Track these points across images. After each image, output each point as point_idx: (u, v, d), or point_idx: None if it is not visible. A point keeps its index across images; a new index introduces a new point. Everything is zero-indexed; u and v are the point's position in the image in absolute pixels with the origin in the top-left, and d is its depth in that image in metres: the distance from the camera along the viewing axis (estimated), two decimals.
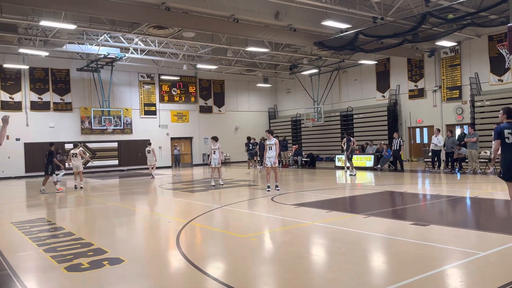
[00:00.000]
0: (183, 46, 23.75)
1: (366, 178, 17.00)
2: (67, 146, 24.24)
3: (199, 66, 27.47)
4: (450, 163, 17.75)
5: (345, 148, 18.67)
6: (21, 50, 21.63)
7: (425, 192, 12.37)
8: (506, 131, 6.96)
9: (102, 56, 23.74)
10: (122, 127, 27.54)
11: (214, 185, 15.03)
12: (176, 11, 16.38)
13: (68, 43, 21.87)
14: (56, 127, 25.54)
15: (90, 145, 26.70)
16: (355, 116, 27.78)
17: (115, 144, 27.66)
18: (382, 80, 26.67)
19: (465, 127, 20.61)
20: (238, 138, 31.93)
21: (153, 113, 29.33)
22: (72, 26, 17.15)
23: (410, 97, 25.14)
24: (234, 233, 7.46)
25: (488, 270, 4.90)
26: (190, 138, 31.26)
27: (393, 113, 25.51)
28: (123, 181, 19.99)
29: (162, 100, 29.70)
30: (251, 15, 17.33)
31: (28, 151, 24.54)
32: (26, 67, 24.27)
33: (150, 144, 20.79)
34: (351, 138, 18.43)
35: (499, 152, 7.24)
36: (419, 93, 24.68)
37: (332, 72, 29.32)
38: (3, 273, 5.37)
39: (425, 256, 5.44)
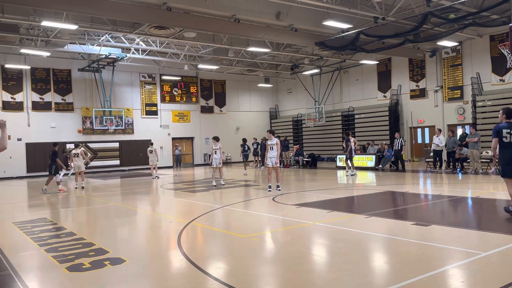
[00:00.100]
0: (184, 46, 23.76)
1: (368, 178, 16.99)
2: (68, 146, 24.26)
3: (200, 66, 27.48)
4: (451, 163, 17.73)
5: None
6: (23, 51, 21.68)
7: (427, 192, 12.36)
8: (504, 131, 7.35)
9: (104, 56, 23.77)
10: (123, 127, 27.56)
11: (215, 185, 15.04)
12: (177, 11, 16.38)
13: (70, 43, 21.91)
14: (57, 127, 25.58)
15: (91, 145, 26.73)
16: (356, 116, 27.76)
17: (117, 144, 27.68)
18: (384, 80, 26.65)
19: (467, 127, 20.61)
20: (239, 138, 31.74)
21: (155, 113, 29.35)
22: (73, 26, 17.16)
23: (412, 97, 25.11)
24: (236, 233, 7.46)
25: (489, 270, 4.89)
26: (192, 138, 31.28)
27: (394, 113, 25.49)
28: (125, 181, 20.01)
29: (163, 100, 29.73)
30: (252, 15, 17.33)
31: (29, 151, 24.58)
32: (28, 67, 24.31)
33: (152, 144, 20.83)
34: (350, 138, 18.43)
35: (497, 151, 7.57)
36: (420, 93, 24.65)
37: (333, 72, 29.30)
38: (5, 273, 5.38)
39: (426, 256, 5.43)
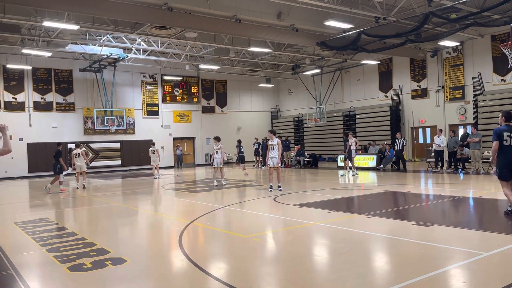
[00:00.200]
0: (185, 47, 23.77)
1: (369, 178, 16.97)
2: (70, 146, 24.28)
3: (202, 66, 27.49)
4: (453, 163, 17.70)
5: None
6: (24, 51, 21.71)
7: (428, 193, 12.35)
8: (505, 134, 7.40)
9: (105, 56, 23.80)
10: (124, 127, 27.58)
11: (216, 185, 15.04)
12: (178, 11, 16.39)
13: (71, 43, 21.94)
14: (59, 128, 25.61)
15: (92, 145, 26.75)
16: (357, 116, 27.74)
17: (118, 144, 27.70)
18: (385, 80, 26.63)
19: (468, 127, 20.58)
20: (240, 138, 31.92)
21: (156, 113, 29.37)
22: (74, 27, 17.18)
23: (413, 97, 25.08)
24: (237, 233, 7.46)
25: (491, 271, 4.88)
26: (193, 138, 31.29)
27: (395, 113, 25.46)
28: (126, 181, 20.02)
29: (164, 100, 29.75)
30: (253, 15, 17.33)
31: (31, 151, 24.62)
32: (29, 67, 24.36)
33: (154, 144, 20.86)
34: (349, 138, 18.45)
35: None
36: (421, 93, 24.62)
37: (335, 72, 29.29)
38: (6, 273, 5.39)
39: (428, 257, 5.42)
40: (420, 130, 25.26)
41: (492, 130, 7.79)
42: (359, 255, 5.69)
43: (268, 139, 13.78)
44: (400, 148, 19.13)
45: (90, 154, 26.03)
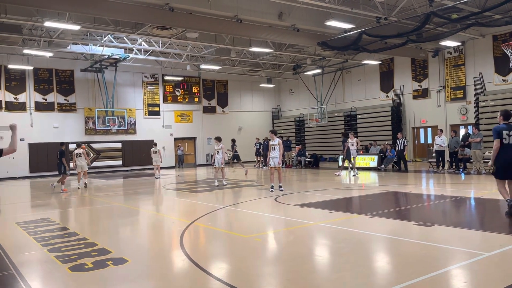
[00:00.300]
0: (186, 47, 23.79)
1: (370, 179, 16.96)
2: (71, 146, 24.30)
3: (203, 66, 27.50)
4: (454, 164, 17.68)
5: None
6: (26, 51, 21.75)
7: (429, 193, 12.33)
8: (504, 132, 7.50)
9: (106, 56, 23.82)
10: (126, 128, 27.60)
11: (217, 186, 15.05)
12: (179, 11, 16.40)
13: (72, 43, 21.97)
14: (60, 128, 25.64)
15: (94, 146, 26.78)
16: (358, 116, 27.73)
17: (119, 145, 27.73)
18: (386, 80, 26.61)
19: (469, 127, 20.55)
20: (241, 139, 31.92)
21: (157, 113, 29.40)
22: (76, 27, 17.21)
23: (414, 97, 25.07)
24: (238, 234, 7.46)
25: (492, 271, 4.87)
26: (194, 139, 31.31)
27: (397, 113, 25.45)
28: (127, 182, 20.04)
29: (165, 100, 29.77)
30: (254, 15, 17.33)
31: (32, 152, 24.64)
32: (31, 67, 24.39)
33: (156, 144, 20.90)
34: (349, 139, 18.47)
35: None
36: (423, 93, 24.60)
37: (336, 72, 29.28)
38: (8, 273, 5.40)
39: (429, 257, 5.42)
40: (422, 130, 25.23)
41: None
42: (360, 255, 5.69)
43: (269, 139, 13.77)
44: (401, 148, 19.11)
45: (92, 154, 26.04)
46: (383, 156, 20.79)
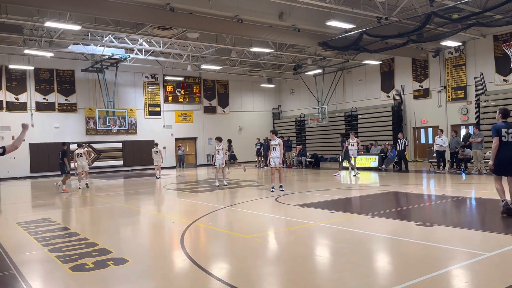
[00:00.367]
0: (187, 47, 23.79)
1: (371, 179, 16.95)
2: (72, 146, 24.35)
3: (203, 66, 27.51)
4: (455, 164, 17.67)
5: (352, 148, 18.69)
6: (26, 51, 21.76)
7: (430, 193, 12.32)
8: (503, 130, 7.64)
9: (107, 57, 23.83)
10: (126, 128, 27.63)
11: (218, 186, 15.05)
12: (180, 11, 16.41)
13: (73, 44, 21.99)
14: (61, 128, 25.66)
15: (95, 146, 26.80)
16: (359, 117, 27.72)
17: (120, 145, 27.74)
18: (387, 80, 26.61)
19: (470, 127, 20.53)
20: (242, 139, 31.97)
21: (158, 113, 29.41)
22: (76, 27, 17.22)
23: (415, 97, 25.06)
24: (239, 234, 7.46)
25: (493, 271, 4.87)
26: (194, 139, 31.32)
27: (397, 114, 25.44)
28: (128, 182, 20.05)
29: (166, 100, 29.78)
30: (255, 15, 17.34)
31: (33, 152, 24.66)
32: (31, 68, 24.41)
33: (157, 145, 20.92)
34: (350, 139, 18.47)
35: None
36: (424, 93, 24.59)
37: (337, 72, 29.28)
38: (9, 273, 5.40)
39: (430, 257, 5.41)
40: (422, 130, 25.23)
41: None
42: (361, 256, 5.68)
43: (270, 139, 13.78)
44: (402, 148, 19.09)
45: (93, 154, 26.04)
46: (383, 156, 20.78)
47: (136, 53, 24.28)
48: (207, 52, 24.08)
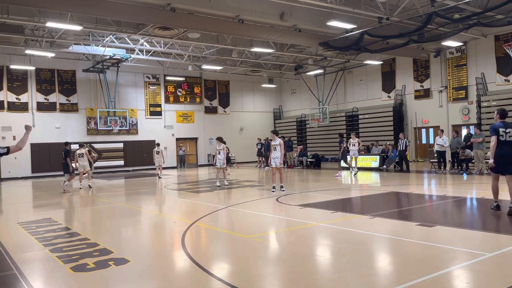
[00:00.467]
0: (188, 47, 23.81)
1: (372, 179, 16.94)
2: (73, 146, 24.35)
3: (204, 67, 27.52)
4: (456, 164, 17.65)
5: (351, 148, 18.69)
6: (28, 51, 21.79)
7: (431, 193, 12.31)
8: (500, 129, 7.91)
9: (108, 57, 23.85)
10: (127, 128, 27.66)
11: (219, 186, 15.05)
12: (181, 12, 16.42)
13: (74, 44, 22.01)
14: (62, 128, 25.69)
15: (96, 146, 26.82)
16: (360, 117, 27.71)
17: (121, 145, 27.77)
18: (388, 81, 26.59)
19: (471, 127, 20.51)
20: (243, 139, 31.99)
21: (159, 113, 29.43)
22: (78, 27, 17.24)
23: (416, 97, 25.04)
24: (239, 234, 7.46)
25: (494, 272, 4.86)
26: (195, 139, 31.33)
27: (398, 114, 25.43)
28: (129, 182, 20.06)
29: (167, 100, 29.80)
30: (256, 15, 17.35)
31: (34, 152, 24.69)
32: (33, 68, 24.44)
33: (158, 145, 20.95)
34: (343, 139, 18.51)
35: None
36: (425, 94, 24.58)
37: (337, 72, 29.27)
38: (10, 273, 5.41)
39: (431, 257, 5.41)
40: (423, 130, 25.21)
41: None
42: (362, 256, 5.68)
43: (271, 140, 13.78)
44: (403, 148, 19.08)
45: (95, 155, 26.03)
46: (385, 157, 20.77)
47: (137, 53, 24.29)
48: (208, 52, 24.09)
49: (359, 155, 19.20)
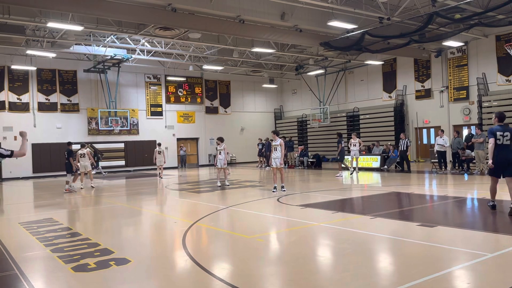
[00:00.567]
0: (189, 47, 23.81)
1: (373, 179, 16.93)
2: (74, 146, 24.35)
3: (205, 67, 27.53)
4: (457, 164, 17.63)
5: (351, 148, 18.68)
6: (29, 52, 21.81)
7: (432, 193, 12.30)
8: (498, 133, 8.04)
9: (109, 57, 23.85)
10: (128, 128, 27.67)
11: (220, 186, 15.05)
12: (182, 12, 16.43)
13: (75, 44, 22.02)
14: (63, 128, 25.71)
15: (97, 146, 26.81)
16: (361, 117, 27.70)
17: (122, 145, 27.78)
18: (389, 81, 26.58)
19: (473, 127, 20.48)
20: (244, 139, 32.00)
21: (160, 114, 29.44)
22: (79, 28, 17.25)
23: (417, 97, 25.02)
24: (240, 234, 7.46)
25: (496, 272, 4.86)
26: (196, 139, 31.33)
27: (399, 114, 25.41)
28: (130, 182, 20.08)
29: (168, 101, 29.81)
30: (257, 15, 17.34)
31: (35, 152, 24.70)
32: (34, 68, 24.47)
33: (159, 145, 20.96)
34: (342, 139, 18.51)
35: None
36: (426, 94, 24.56)
37: (338, 72, 29.25)
38: (11, 273, 5.42)
39: (432, 258, 5.40)
40: (424, 130, 25.19)
41: None
42: (363, 256, 5.68)
43: (272, 140, 13.79)
44: (404, 148, 19.07)
45: (99, 155, 26.02)
46: (386, 157, 20.76)
47: (138, 54, 24.31)
48: (209, 53, 24.10)
49: (360, 155, 19.17)
